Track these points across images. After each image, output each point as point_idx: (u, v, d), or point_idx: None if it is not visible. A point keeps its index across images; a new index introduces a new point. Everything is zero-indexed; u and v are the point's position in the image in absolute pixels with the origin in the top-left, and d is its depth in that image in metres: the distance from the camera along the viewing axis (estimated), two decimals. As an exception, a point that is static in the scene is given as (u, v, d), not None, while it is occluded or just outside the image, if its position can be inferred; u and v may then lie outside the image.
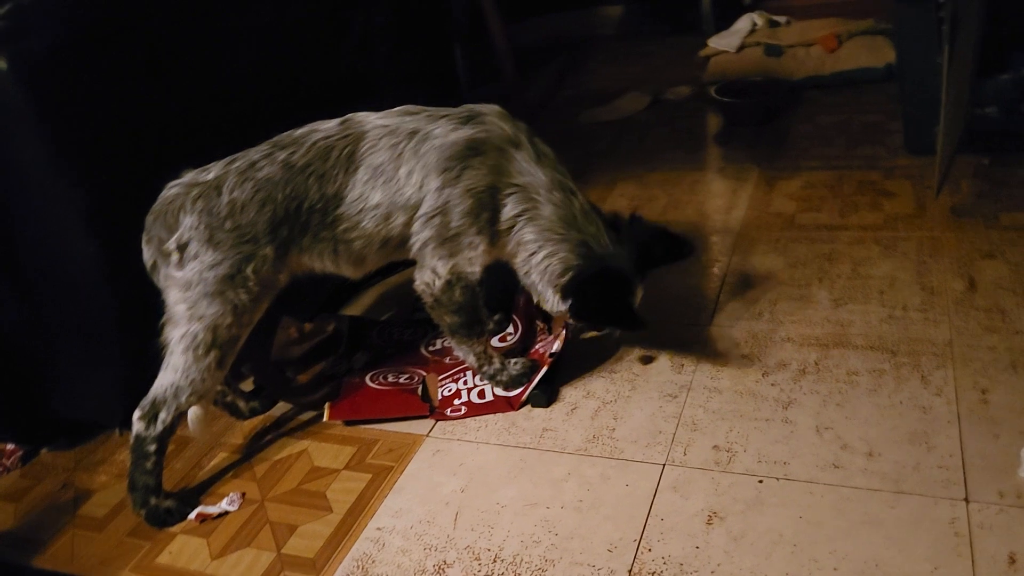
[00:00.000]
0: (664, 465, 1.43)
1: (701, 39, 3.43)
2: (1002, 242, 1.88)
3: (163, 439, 1.48)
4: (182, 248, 1.42)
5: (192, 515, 1.51)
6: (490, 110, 1.53)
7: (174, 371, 1.45)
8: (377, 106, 1.56)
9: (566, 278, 1.51)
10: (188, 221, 1.41)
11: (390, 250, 1.55)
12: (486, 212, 1.49)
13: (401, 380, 1.74)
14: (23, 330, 1.67)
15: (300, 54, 2.01)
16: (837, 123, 2.70)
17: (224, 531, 1.47)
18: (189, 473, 1.63)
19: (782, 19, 3.27)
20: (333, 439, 1.65)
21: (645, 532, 1.30)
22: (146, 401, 1.47)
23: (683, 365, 1.67)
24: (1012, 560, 1.15)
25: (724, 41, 3.18)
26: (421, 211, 1.48)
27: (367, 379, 1.75)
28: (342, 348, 1.85)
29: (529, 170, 1.49)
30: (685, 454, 1.44)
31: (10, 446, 1.78)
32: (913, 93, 2.32)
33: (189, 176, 1.46)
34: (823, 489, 1.32)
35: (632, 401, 1.60)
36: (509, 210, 1.50)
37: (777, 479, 1.36)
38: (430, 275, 1.53)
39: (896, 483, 1.30)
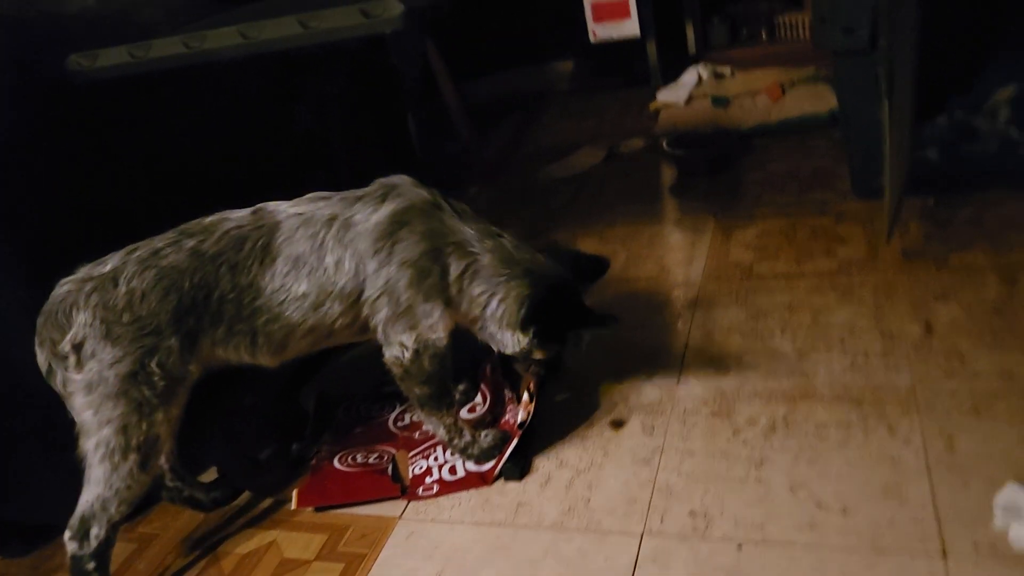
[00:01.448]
0: (642, 535, 1.41)
1: (651, 91, 3.51)
2: (953, 283, 1.93)
3: (102, 554, 1.41)
4: (77, 348, 1.35)
5: (158, 620, 1.45)
6: (401, 180, 1.55)
7: (97, 483, 1.38)
8: (332, 175, 1.56)
9: (523, 310, 1.51)
10: (82, 318, 1.34)
11: (316, 340, 1.53)
12: (430, 278, 1.48)
13: (371, 460, 1.71)
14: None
15: (252, 127, 2.01)
16: (787, 170, 2.76)
17: (192, 635, 1.41)
18: (154, 574, 1.57)
19: (726, 70, 3.36)
20: (302, 527, 1.60)
21: (627, 608, 1.28)
22: (74, 520, 1.40)
23: (654, 428, 1.67)
24: (993, 615, 1.15)
25: (673, 94, 3.26)
26: (366, 295, 1.47)
27: (335, 461, 1.71)
28: (308, 429, 1.81)
29: (457, 227, 1.51)
30: (662, 522, 1.43)
31: (-38, 555, 1.70)
32: (857, 141, 2.39)
33: (83, 270, 1.40)
34: (802, 551, 1.31)
35: (605, 468, 1.58)
36: (454, 269, 1.51)
37: (755, 543, 1.35)
38: (398, 349, 1.52)
39: (873, 541, 1.30)
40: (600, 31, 3.21)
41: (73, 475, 1.62)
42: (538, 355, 1.60)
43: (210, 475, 1.75)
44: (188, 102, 1.86)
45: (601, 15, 3.22)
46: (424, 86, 3.18)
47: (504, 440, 1.63)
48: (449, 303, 1.52)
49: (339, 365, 2.09)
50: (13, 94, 1.51)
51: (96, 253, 1.51)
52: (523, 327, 1.52)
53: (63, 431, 1.59)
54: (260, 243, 1.45)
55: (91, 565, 1.40)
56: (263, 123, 2.10)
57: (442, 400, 1.58)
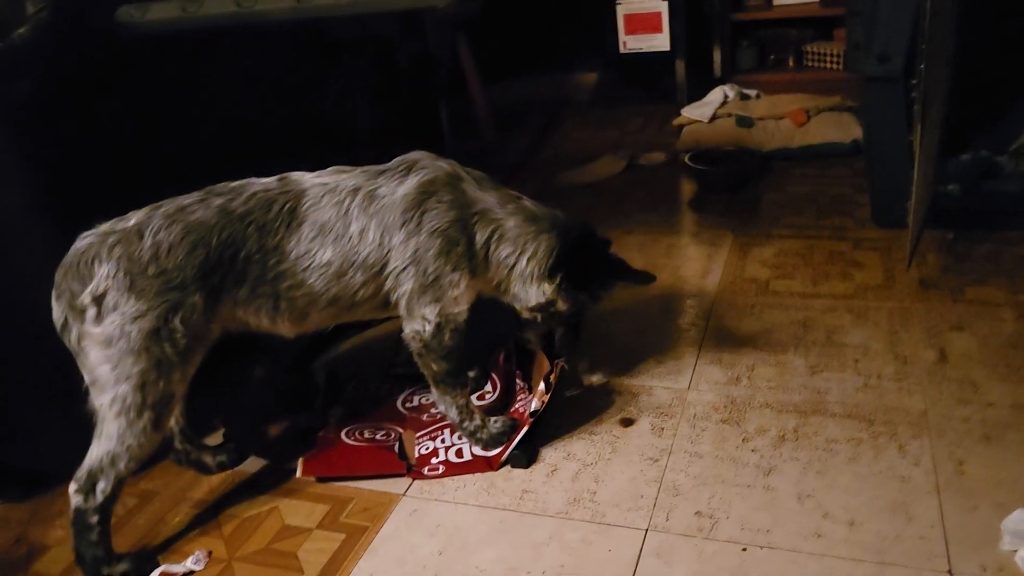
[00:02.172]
0: (647, 531, 1.41)
1: (674, 108, 3.53)
2: (969, 315, 1.94)
3: (105, 509, 1.40)
4: (98, 300, 1.33)
5: (155, 574, 1.44)
6: (420, 155, 1.56)
7: (108, 439, 1.37)
8: (354, 160, 1.57)
9: (550, 259, 1.54)
10: (104, 270, 1.33)
11: (337, 311, 1.53)
12: (458, 247, 1.50)
13: (377, 436, 1.70)
14: (-18, 375, 1.61)
15: (278, 105, 2.02)
16: (806, 194, 2.78)
17: (188, 592, 1.41)
18: (153, 529, 1.56)
19: (752, 92, 3.39)
20: (306, 496, 1.60)
21: (629, 600, 1.28)
22: (81, 473, 1.39)
23: (663, 429, 1.67)
24: (996, 635, 1.15)
25: (697, 111, 3.28)
26: (391, 267, 1.48)
27: (342, 434, 1.71)
28: (318, 402, 1.81)
29: (479, 196, 1.53)
30: (668, 519, 1.43)
31: (-40, 497, 1.69)
32: (881, 169, 2.40)
33: (105, 225, 1.38)
34: (807, 559, 1.31)
35: (613, 464, 1.58)
36: (480, 236, 1.52)
37: (760, 547, 1.35)
38: (420, 322, 1.52)
39: (879, 554, 1.30)
40: (631, 42, 3.24)
41: (77, 427, 1.62)
42: (561, 306, 1.60)
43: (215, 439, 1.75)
44: (226, 67, 1.86)
45: (633, 27, 3.25)
46: (452, 81, 3.19)
47: (513, 428, 1.63)
48: (474, 272, 1.53)
49: (350, 346, 2.09)
50: (60, 41, 1.52)
51: (121, 211, 1.52)
52: (550, 275, 1.54)
53: (72, 383, 1.59)
54: (287, 206, 1.45)
55: (94, 519, 1.39)
56: (295, 98, 2.11)
57: (457, 378, 1.58)
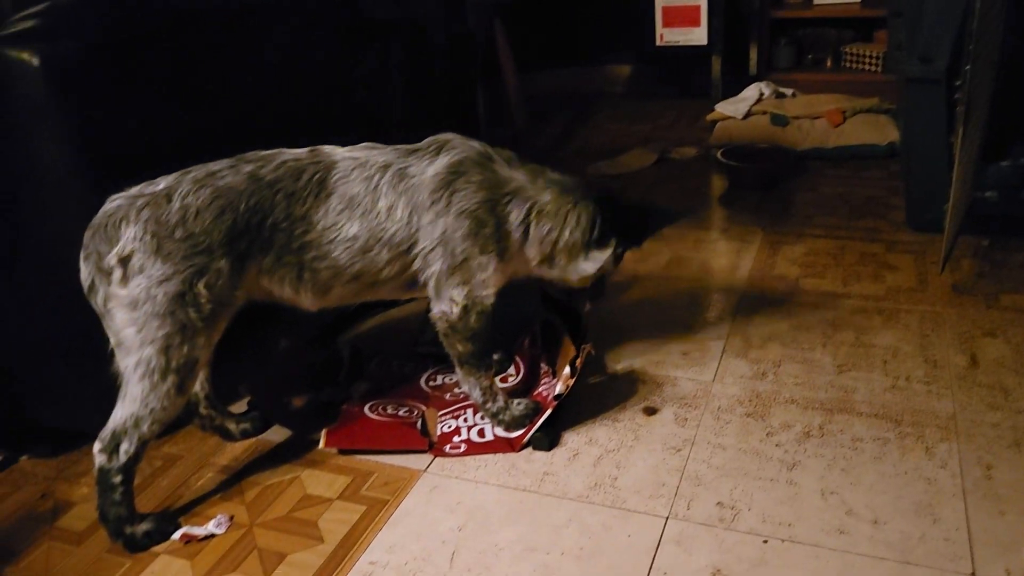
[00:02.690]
0: (667, 518, 1.41)
1: (707, 104, 3.51)
2: (1003, 322, 1.91)
3: (128, 469, 1.41)
4: (124, 262, 1.33)
5: (177, 535, 1.45)
6: (452, 136, 1.55)
7: (132, 401, 1.38)
8: (386, 140, 1.57)
9: (597, 228, 1.57)
10: (131, 232, 1.33)
11: (360, 288, 1.52)
12: (486, 228, 1.49)
13: (400, 413, 1.71)
14: (13, 332, 1.63)
15: (314, 80, 2.02)
16: (839, 194, 2.75)
17: (210, 554, 1.42)
18: (175, 492, 1.58)
19: (788, 91, 3.35)
20: (327, 467, 1.61)
21: (647, 585, 1.28)
22: (105, 433, 1.40)
23: (686, 419, 1.66)
24: (1020, 639, 1.13)
25: (731, 107, 3.25)
26: (420, 246, 1.48)
27: (366, 409, 1.72)
28: (342, 375, 1.82)
29: (511, 175, 1.53)
30: (688, 508, 1.42)
31: (-12, 451, 1.72)
32: (918, 172, 2.37)
33: (135, 188, 1.39)
34: (828, 554, 1.30)
35: (635, 451, 1.58)
36: (516, 216, 1.52)
37: (782, 540, 1.34)
38: (447, 304, 1.52)
39: (902, 553, 1.29)
40: (668, 35, 3.21)
41: (105, 387, 1.64)
42: (610, 267, 1.64)
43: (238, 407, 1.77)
44: (261, 42, 1.86)
45: (671, 19, 3.23)
46: (486, 67, 3.19)
47: (536, 411, 1.63)
48: (504, 255, 1.52)
49: (375, 323, 2.10)
50: (105, 4, 1.53)
51: (152, 176, 1.53)
52: (601, 241, 1.58)
53: (101, 344, 1.61)
54: (317, 177, 1.45)
55: (117, 478, 1.41)
56: (329, 76, 2.11)
57: (482, 360, 1.58)
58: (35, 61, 1.32)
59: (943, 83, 2.17)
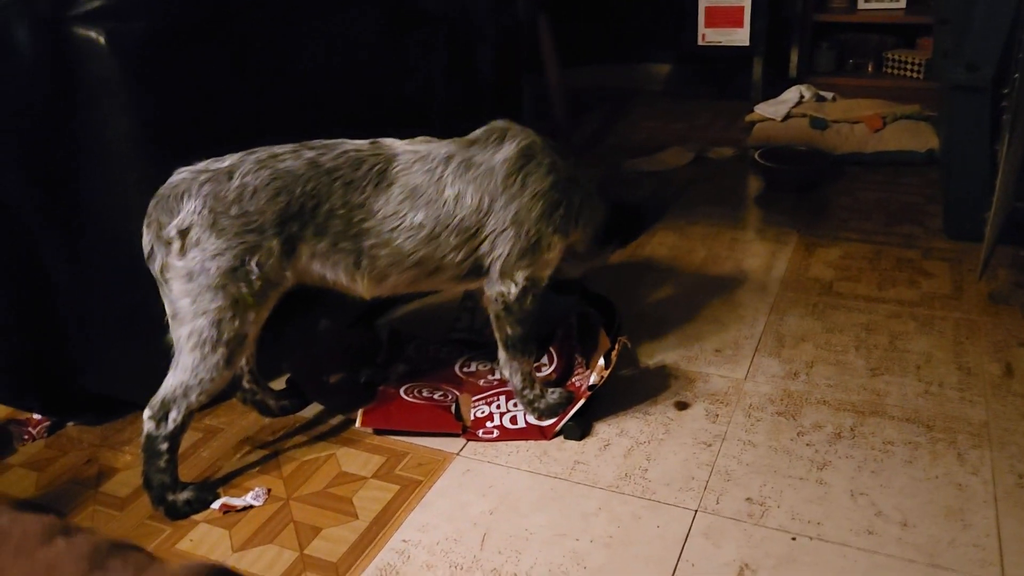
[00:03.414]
0: (696, 511, 1.43)
1: (746, 105, 3.50)
2: (1040, 333, 1.90)
3: (175, 437, 1.46)
4: (183, 234, 1.38)
5: (216, 505, 1.50)
6: (507, 123, 1.60)
7: (183, 370, 1.43)
8: (431, 132, 1.60)
9: (606, 230, 1.72)
10: (191, 205, 1.38)
11: (419, 275, 1.55)
12: (559, 209, 1.55)
13: (435, 396, 1.74)
14: (69, 300, 1.68)
15: (362, 67, 2.05)
16: (877, 200, 2.74)
17: (247, 525, 1.46)
18: (215, 464, 1.63)
19: (829, 95, 3.33)
20: (363, 447, 1.64)
21: None
22: (155, 400, 1.45)
23: (718, 415, 1.68)
24: (1047, 646, 1.14)
25: (771, 109, 3.24)
26: (489, 229, 1.50)
27: (402, 391, 1.75)
28: (381, 357, 1.86)
29: (563, 163, 1.59)
30: (718, 503, 1.44)
31: (36, 416, 1.78)
32: (958, 180, 2.36)
33: (202, 163, 1.44)
34: (856, 554, 1.31)
35: (666, 444, 1.60)
36: (575, 200, 1.60)
37: (810, 538, 1.35)
38: (508, 283, 1.55)
39: (931, 556, 1.30)
40: (710, 35, 3.21)
41: (152, 358, 1.69)
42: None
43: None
44: (313, 29, 1.89)
45: (714, 20, 3.22)
46: (530, 60, 3.21)
47: (569, 400, 1.66)
48: (568, 237, 1.60)
49: (412, 309, 2.14)
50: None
51: (215, 151, 1.57)
52: (606, 241, 1.75)
53: (150, 315, 1.66)
54: (377, 168, 1.48)
55: (164, 446, 1.46)
56: (377, 66, 2.14)
57: (528, 345, 1.61)
58: (103, 40, 1.37)
59: (989, 91, 2.15)
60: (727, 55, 3.64)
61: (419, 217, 1.48)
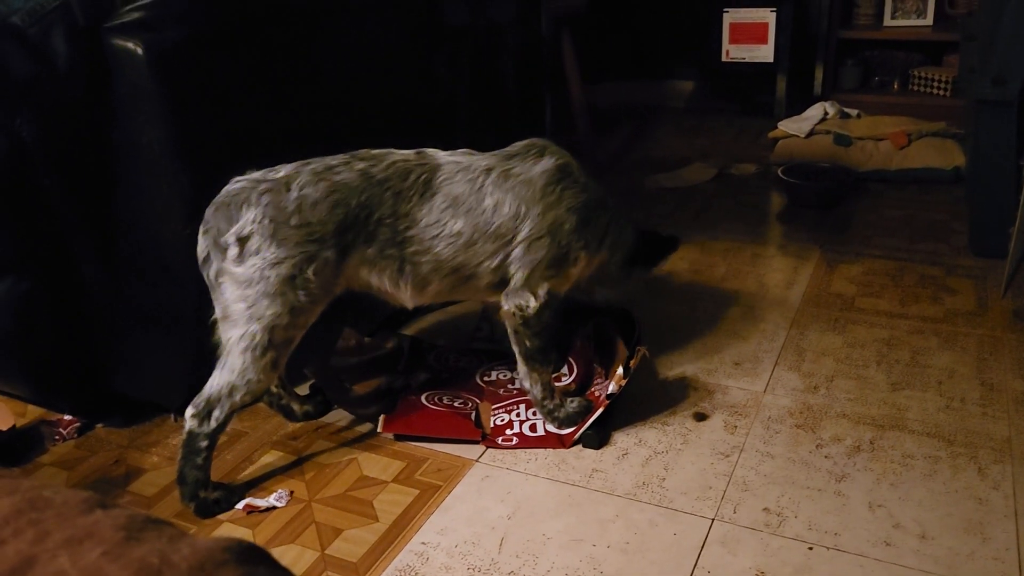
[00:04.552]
0: (713, 520, 1.43)
1: (769, 122, 3.50)
2: (1065, 350, 1.88)
3: (215, 436, 1.49)
4: (243, 242, 1.41)
5: (240, 506, 1.53)
6: (546, 141, 1.64)
7: (231, 371, 1.46)
8: (454, 146, 1.63)
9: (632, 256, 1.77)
10: (251, 214, 1.41)
11: (455, 282, 1.58)
12: (590, 226, 1.59)
13: (456, 404, 1.77)
14: (102, 304, 1.73)
15: (389, 79, 2.10)
16: (901, 217, 2.73)
17: (270, 525, 1.49)
18: (239, 466, 1.66)
19: (853, 112, 3.33)
20: (383, 452, 1.67)
21: (691, 582, 1.30)
22: (200, 399, 1.49)
23: (736, 427, 1.68)
24: (1067, 660, 1.13)
25: (795, 125, 3.25)
26: (521, 236, 1.54)
27: (423, 398, 1.78)
28: (402, 365, 1.88)
29: (595, 185, 1.64)
30: (735, 512, 1.45)
31: (68, 417, 1.82)
32: (984, 196, 2.35)
33: (256, 173, 1.47)
34: (874, 564, 1.31)
35: (683, 454, 1.61)
36: (604, 220, 1.65)
37: (827, 548, 1.35)
38: (527, 296, 1.57)
39: (950, 569, 1.29)
40: (734, 51, 3.23)
41: (182, 361, 1.74)
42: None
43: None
44: (340, 41, 1.94)
45: (738, 36, 3.24)
46: (553, 76, 3.25)
47: (588, 409, 1.67)
48: (595, 255, 1.64)
49: (434, 319, 2.16)
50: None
51: (246, 159, 1.61)
52: (630, 266, 1.78)
53: (178, 320, 1.70)
54: (423, 177, 1.52)
55: (203, 443, 1.49)
56: (402, 78, 2.19)
57: (547, 356, 1.63)
58: (139, 50, 1.42)
59: (1015, 106, 2.15)
60: (751, 72, 3.66)
61: (459, 225, 1.51)
